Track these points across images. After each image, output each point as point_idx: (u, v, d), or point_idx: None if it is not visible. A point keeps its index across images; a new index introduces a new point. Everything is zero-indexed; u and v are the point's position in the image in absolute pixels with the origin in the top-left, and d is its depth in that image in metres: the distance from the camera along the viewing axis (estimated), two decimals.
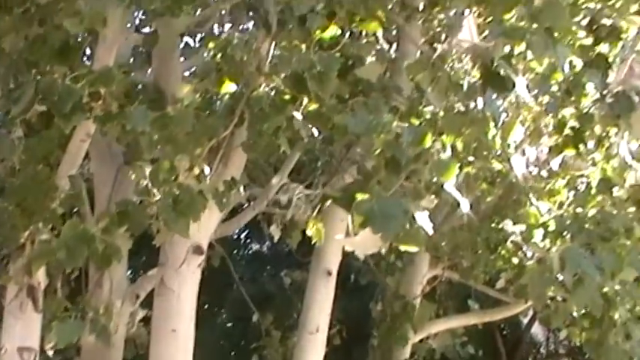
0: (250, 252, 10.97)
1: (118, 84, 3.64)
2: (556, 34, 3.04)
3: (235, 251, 10.29)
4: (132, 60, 5.48)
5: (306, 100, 3.76)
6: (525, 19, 3.09)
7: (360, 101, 3.61)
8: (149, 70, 5.19)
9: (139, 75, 5.20)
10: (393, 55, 5.36)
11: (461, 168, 4.38)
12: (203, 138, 3.78)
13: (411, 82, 3.99)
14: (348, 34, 3.88)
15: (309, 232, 4.30)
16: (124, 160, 4.75)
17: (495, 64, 3.21)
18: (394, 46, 5.45)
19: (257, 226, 7.66)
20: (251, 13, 4.82)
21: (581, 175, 4.79)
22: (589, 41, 4.12)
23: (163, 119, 3.63)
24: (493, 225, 5.52)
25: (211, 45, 3.93)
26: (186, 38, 5.33)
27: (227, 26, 5.33)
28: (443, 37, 5.31)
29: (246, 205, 5.91)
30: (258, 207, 5.58)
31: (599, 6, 6.03)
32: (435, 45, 5.42)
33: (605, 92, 3.80)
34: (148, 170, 3.65)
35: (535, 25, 3.11)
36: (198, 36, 5.16)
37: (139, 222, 3.71)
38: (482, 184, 5.36)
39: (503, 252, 5.61)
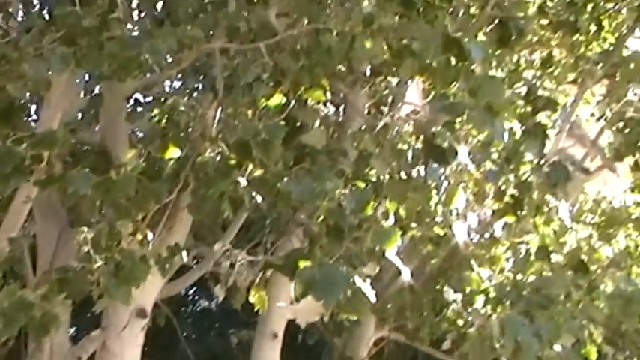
0: (198, 309, 10.82)
1: (62, 145, 3.62)
2: (494, 109, 3.12)
3: (183, 308, 10.15)
4: (80, 115, 5.47)
5: (250, 166, 3.78)
6: (465, 93, 3.17)
7: (304, 168, 3.65)
8: (97, 127, 5.19)
9: (86, 133, 5.19)
10: (340, 118, 5.46)
11: (405, 231, 4.43)
12: (146, 203, 3.76)
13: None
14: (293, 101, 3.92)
15: (251, 299, 4.28)
16: (68, 222, 4.70)
17: (436, 137, 3.28)
18: (341, 107, 5.55)
19: (205, 284, 7.58)
20: (200, 77, 4.89)
21: (521, 242, 4.88)
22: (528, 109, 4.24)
23: (106, 183, 3.61)
24: (438, 287, 5.57)
25: (157, 110, 3.95)
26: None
27: (177, 83, 5.38)
28: (389, 100, 5.44)
29: (193, 262, 5.88)
30: (204, 267, 5.57)
31: (538, 72, 6.28)
32: (381, 108, 5.56)
33: (542, 161, 3.90)
34: (90, 235, 3.61)
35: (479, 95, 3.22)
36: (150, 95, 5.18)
37: (80, 288, 3.65)
38: (427, 245, 5.41)
39: (448, 314, 5.64)
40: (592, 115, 6.73)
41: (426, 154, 3.42)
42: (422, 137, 3.41)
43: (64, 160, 4.35)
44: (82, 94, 5.10)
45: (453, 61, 3.39)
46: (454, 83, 3.52)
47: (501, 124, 3.18)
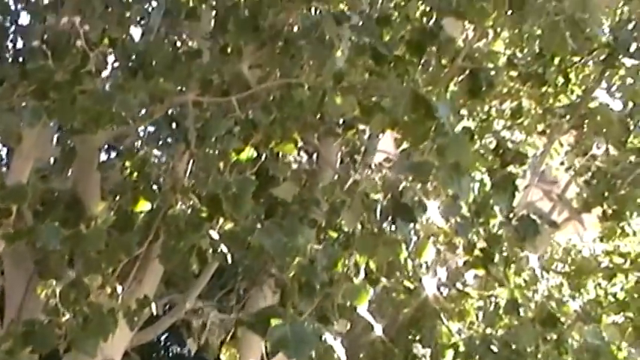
0: (170, 355, 10.66)
1: (32, 196, 3.60)
2: (461, 168, 3.16)
3: (154, 355, 9.99)
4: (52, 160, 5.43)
5: (222, 219, 3.79)
6: (432, 153, 3.21)
7: (276, 222, 3.65)
8: (70, 173, 5.15)
9: (59, 179, 5.15)
10: (314, 165, 5.49)
11: (376, 284, 4.43)
12: (116, 256, 3.74)
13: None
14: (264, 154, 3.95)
15: (223, 358, 4.25)
16: (36, 272, 4.64)
17: (404, 194, 3.31)
18: (314, 155, 5.59)
19: (177, 330, 7.51)
20: (173, 125, 4.89)
21: (491, 295, 4.90)
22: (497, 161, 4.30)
23: (76, 237, 3.59)
24: (410, 337, 5.56)
25: (128, 163, 3.95)
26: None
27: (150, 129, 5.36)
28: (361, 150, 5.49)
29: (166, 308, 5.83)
30: (176, 315, 5.52)
31: (509, 123, 6.37)
32: (354, 156, 5.60)
33: (511, 215, 3.94)
34: (58, 289, 3.57)
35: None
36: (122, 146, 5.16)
37: (46, 342, 3.60)
38: (399, 295, 5.42)
39: None
40: (562, 163, 6.83)
41: (393, 212, 3.45)
42: (389, 195, 3.44)
43: (35, 210, 4.34)
44: (54, 143, 5.08)
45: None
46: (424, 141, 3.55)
47: (468, 182, 3.22)
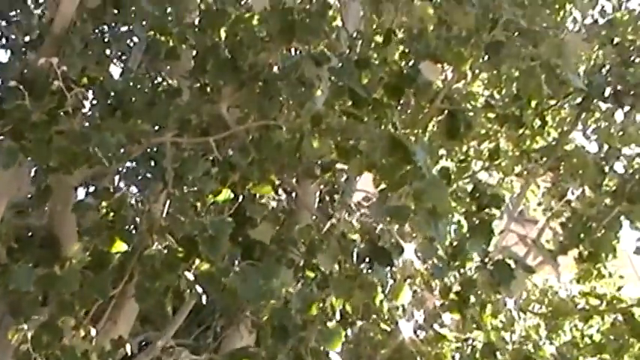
0: None
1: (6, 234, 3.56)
2: (438, 212, 3.17)
3: None
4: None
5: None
6: (409, 198, 3.22)
7: (252, 264, 3.64)
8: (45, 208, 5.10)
9: (35, 214, 5.09)
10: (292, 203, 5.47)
11: (353, 325, 4.42)
12: (91, 298, 3.69)
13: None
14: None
15: None
16: (9, 311, 4.57)
17: (381, 237, 3.31)
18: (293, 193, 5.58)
19: None
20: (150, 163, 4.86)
21: (467, 339, 4.89)
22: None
23: (50, 278, 3.55)
24: None
25: (105, 203, 3.92)
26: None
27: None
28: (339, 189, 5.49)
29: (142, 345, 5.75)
30: (151, 353, 5.44)
31: (487, 164, 6.41)
32: (333, 195, 5.60)
33: (486, 259, 3.93)
34: (30, 333, 3.51)
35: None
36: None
37: None
38: (376, 336, 5.39)
39: None
40: (539, 204, 6.88)
41: (370, 255, 3.44)
42: (366, 238, 3.44)
43: (9, 247, 4.28)
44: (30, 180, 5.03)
45: None
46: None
47: (444, 226, 3.23)
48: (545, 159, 6.07)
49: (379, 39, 4.66)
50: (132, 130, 3.81)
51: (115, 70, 5.33)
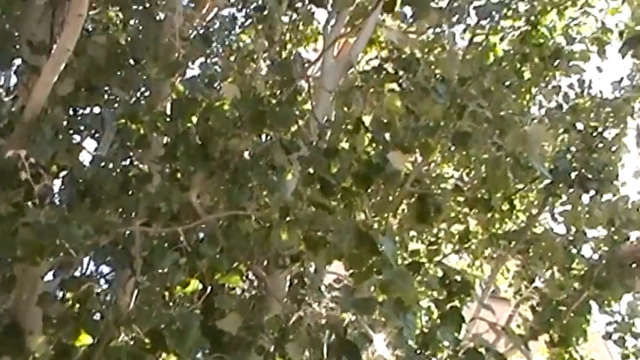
0: None
1: None
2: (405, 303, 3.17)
3: None
4: None
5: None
6: (376, 290, 3.22)
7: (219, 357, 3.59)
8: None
9: None
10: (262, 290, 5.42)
11: None
12: None
13: None
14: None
15: None
16: None
17: (349, 329, 3.29)
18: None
19: None
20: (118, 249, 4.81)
21: None
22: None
23: None
24: None
25: (69, 294, 3.86)
26: None
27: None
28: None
29: None
30: None
31: (456, 247, 6.43)
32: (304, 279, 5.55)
33: (457, 348, 3.91)
34: None
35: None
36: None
37: None
38: None
39: None
40: (510, 285, 6.90)
41: (338, 350, 3.41)
42: (333, 334, 3.42)
43: None
44: None
45: None
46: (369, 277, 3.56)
47: (412, 317, 3.22)
48: (514, 242, 6.12)
49: (349, 128, 4.72)
50: (100, 221, 3.78)
51: (85, 156, 5.32)
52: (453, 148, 4.65)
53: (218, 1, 6.36)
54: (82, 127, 5.02)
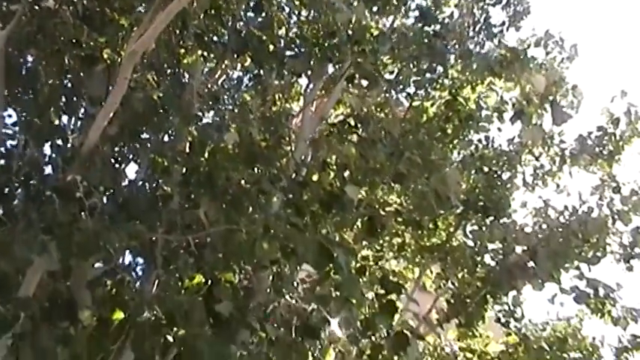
0: None
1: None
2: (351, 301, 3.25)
3: None
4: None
5: None
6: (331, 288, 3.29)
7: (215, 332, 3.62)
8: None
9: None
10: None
11: None
12: (96, 352, 3.61)
13: None
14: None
15: None
16: None
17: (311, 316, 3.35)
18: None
19: None
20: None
21: None
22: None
23: (66, 337, 3.47)
24: None
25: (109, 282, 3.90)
26: None
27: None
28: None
29: None
30: None
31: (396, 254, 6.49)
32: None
33: (390, 331, 3.99)
34: None
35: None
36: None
37: None
38: None
39: None
40: (432, 283, 7.00)
41: (302, 332, 3.48)
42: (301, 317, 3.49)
43: (41, 306, 4.16)
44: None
45: None
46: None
47: (356, 311, 3.30)
48: (436, 252, 6.24)
49: (317, 167, 4.82)
50: (133, 229, 3.83)
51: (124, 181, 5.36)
52: (393, 184, 4.74)
53: None
54: (123, 159, 5.06)
